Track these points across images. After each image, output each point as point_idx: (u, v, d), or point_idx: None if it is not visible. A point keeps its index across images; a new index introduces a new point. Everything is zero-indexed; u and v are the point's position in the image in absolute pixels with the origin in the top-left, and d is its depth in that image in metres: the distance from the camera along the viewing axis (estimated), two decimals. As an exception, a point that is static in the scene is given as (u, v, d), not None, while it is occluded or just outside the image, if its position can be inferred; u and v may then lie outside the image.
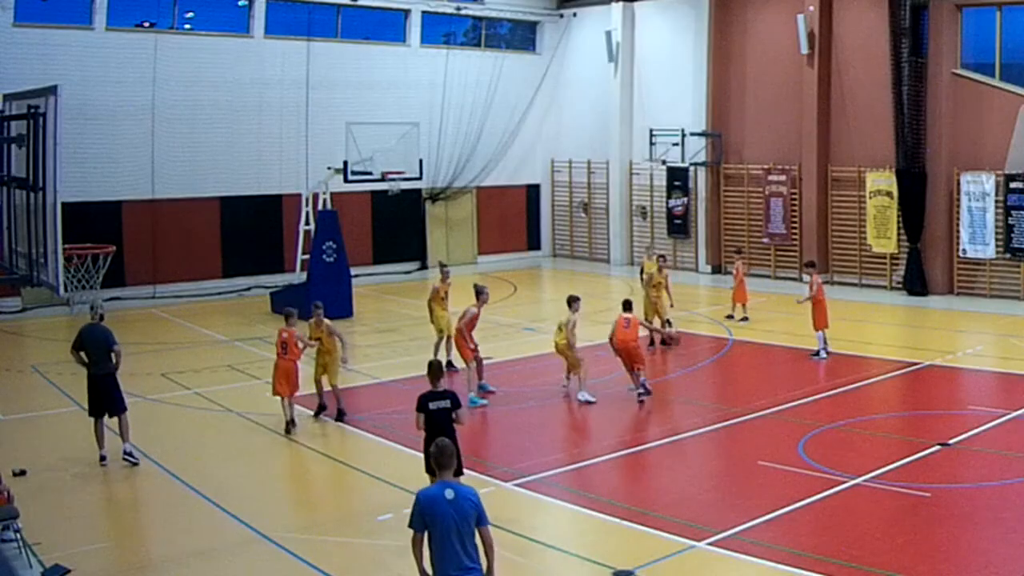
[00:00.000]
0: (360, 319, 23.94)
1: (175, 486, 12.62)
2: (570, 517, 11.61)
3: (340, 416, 15.43)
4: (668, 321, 20.91)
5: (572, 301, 16.51)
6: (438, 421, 10.67)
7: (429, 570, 7.48)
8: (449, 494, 7.41)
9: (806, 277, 20.77)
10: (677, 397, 17.08)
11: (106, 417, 13.50)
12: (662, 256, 22.42)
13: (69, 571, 9.69)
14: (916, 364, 18.48)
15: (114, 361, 13.52)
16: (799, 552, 10.10)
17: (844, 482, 12.05)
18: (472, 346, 16.79)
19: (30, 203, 10.27)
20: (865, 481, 12.07)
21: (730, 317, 23.03)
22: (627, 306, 16.75)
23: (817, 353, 19.09)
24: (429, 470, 10.87)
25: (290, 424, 14.77)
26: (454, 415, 10.83)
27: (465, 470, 12.55)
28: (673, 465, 13.90)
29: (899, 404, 16.49)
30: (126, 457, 13.34)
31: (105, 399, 13.44)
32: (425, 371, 11.08)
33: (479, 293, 17.24)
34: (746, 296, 23.00)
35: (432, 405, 10.78)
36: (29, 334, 22.78)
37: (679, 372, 18.79)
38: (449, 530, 7.34)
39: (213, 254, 28.48)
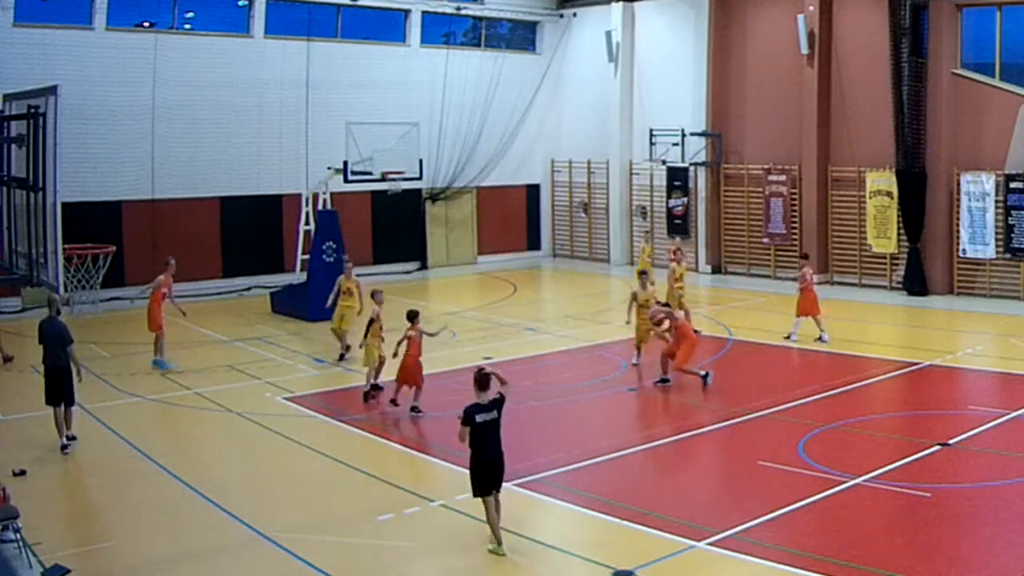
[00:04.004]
0: (360, 319, 23.87)
1: (175, 486, 12.61)
2: (570, 517, 11.60)
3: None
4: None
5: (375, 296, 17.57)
6: (486, 435, 10.39)
7: None
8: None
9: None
10: (677, 397, 17.07)
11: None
12: (679, 248, 22.53)
13: (69, 571, 9.68)
14: (916, 364, 18.47)
15: (73, 355, 14.23)
16: (799, 552, 10.09)
17: (844, 482, 12.05)
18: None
19: (30, 203, 10.28)
20: (865, 481, 12.07)
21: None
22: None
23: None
24: (477, 492, 10.40)
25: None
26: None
27: (464, 469, 12.54)
28: (673, 465, 13.91)
29: (899, 404, 16.49)
30: (67, 443, 14.11)
31: (61, 390, 14.12)
32: (473, 382, 10.61)
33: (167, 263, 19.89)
34: None
35: (479, 418, 10.36)
36: (29, 334, 22.60)
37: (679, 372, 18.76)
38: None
39: (213, 254, 28.46)
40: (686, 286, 21.76)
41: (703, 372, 16.95)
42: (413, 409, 15.70)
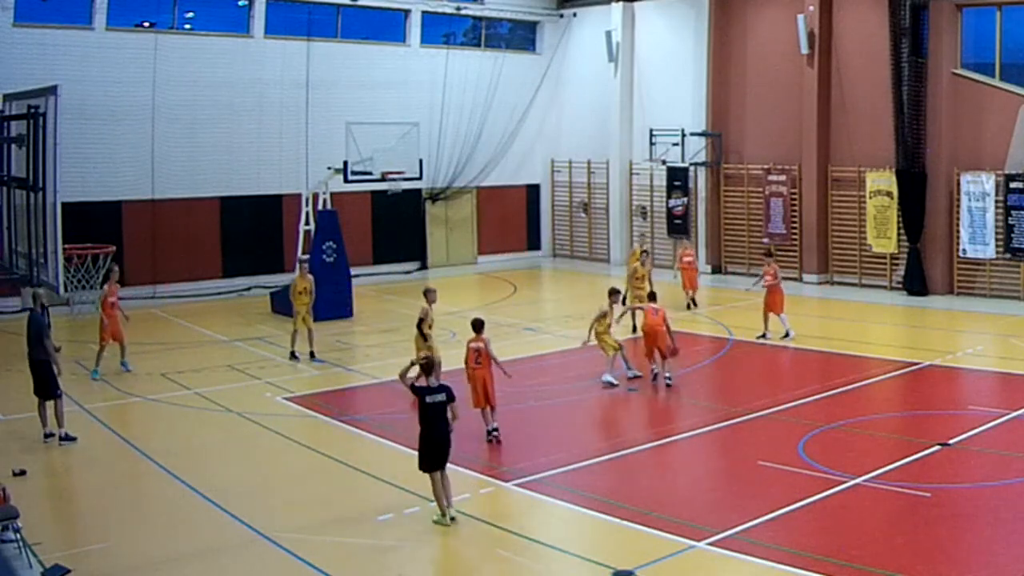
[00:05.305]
0: (360, 319, 23.93)
1: (175, 486, 12.62)
2: (570, 517, 11.61)
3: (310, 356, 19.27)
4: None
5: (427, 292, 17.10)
6: (434, 415, 11.21)
7: None
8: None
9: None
10: (677, 397, 17.07)
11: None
12: (645, 251, 23.26)
13: (69, 571, 9.69)
14: (916, 364, 18.47)
15: (48, 349, 14.35)
16: (799, 552, 10.10)
17: (844, 482, 12.05)
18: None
19: (30, 203, 10.29)
20: (865, 481, 12.07)
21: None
22: (652, 297, 18.11)
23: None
24: (424, 467, 11.21)
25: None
26: (449, 409, 11.34)
27: (465, 470, 12.60)
28: (673, 465, 13.90)
29: (899, 404, 16.49)
30: (63, 441, 14.15)
31: (39, 383, 14.31)
32: (420, 368, 11.65)
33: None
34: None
35: (429, 399, 11.22)
36: (29, 334, 22.71)
37: (679, 372, 18.74)
38: None
39: (213, 254, 28.48)
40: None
41: (638, 373, 17.54)
42: (490, 433, 14.22)
